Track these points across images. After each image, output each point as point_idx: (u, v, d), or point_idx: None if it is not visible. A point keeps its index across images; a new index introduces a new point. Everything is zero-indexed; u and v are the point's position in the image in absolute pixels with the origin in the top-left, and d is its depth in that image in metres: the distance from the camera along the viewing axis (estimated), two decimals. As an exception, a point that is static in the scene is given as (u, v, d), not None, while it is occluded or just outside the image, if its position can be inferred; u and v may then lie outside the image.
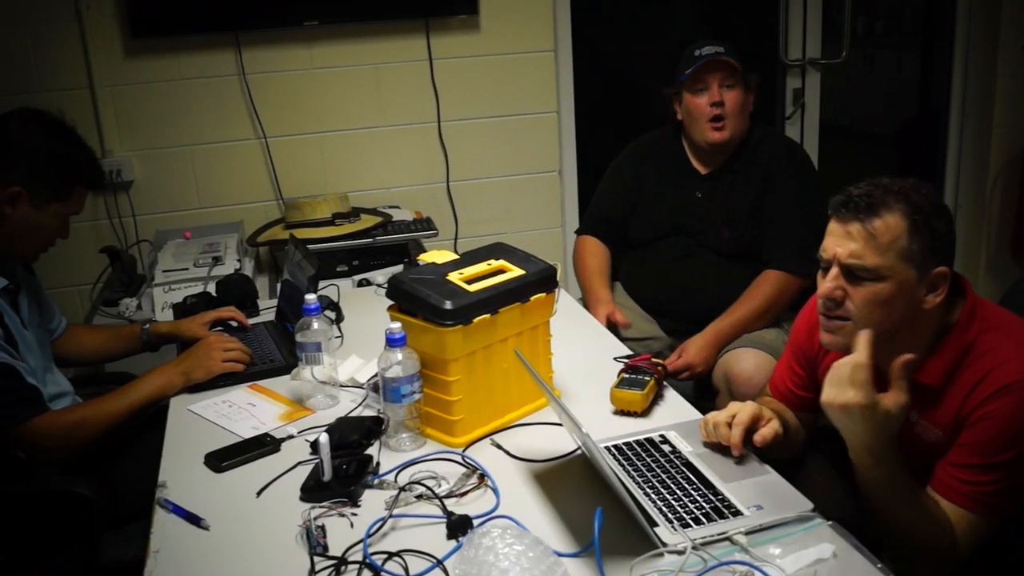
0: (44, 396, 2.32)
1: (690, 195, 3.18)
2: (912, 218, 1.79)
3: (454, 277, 2.11)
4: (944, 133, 4.92)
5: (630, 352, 2.55)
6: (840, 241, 1.83)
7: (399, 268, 3.47)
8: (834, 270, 1.84)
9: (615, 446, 2.01)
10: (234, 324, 2.80)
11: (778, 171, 3.08)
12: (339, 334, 2.75)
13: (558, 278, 2.25)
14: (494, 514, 1.80)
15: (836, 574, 1.58)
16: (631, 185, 3.30)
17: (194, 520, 1.83)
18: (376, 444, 2.07)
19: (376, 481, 1.92)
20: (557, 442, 2.06)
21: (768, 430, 1.95)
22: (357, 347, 2.60)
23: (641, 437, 2.04)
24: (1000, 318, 1.89)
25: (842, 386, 1.73)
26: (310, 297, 2.30)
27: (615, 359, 2.47)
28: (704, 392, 3.04)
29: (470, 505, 1.83)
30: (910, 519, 1.77)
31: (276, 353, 2.61)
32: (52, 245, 2.48)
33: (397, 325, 2.03)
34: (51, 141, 2.37)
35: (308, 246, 2.97)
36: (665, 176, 3.26)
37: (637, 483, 1.86)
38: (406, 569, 1.64)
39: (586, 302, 3.23)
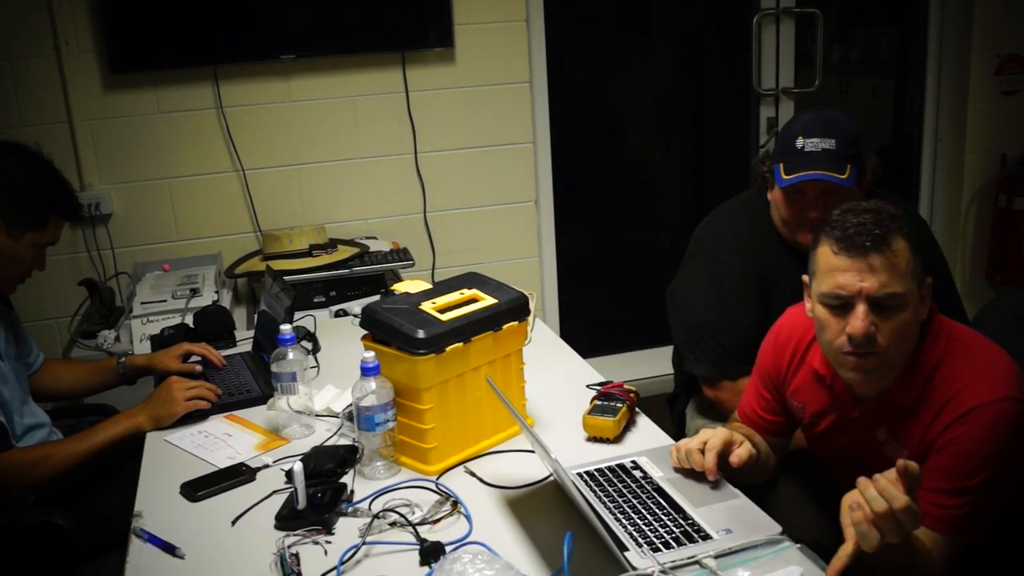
0: (9, 433, 2.32)
1: None
2: (910, 237, 1.81)
3: (427, 306, 2.13)
4: (918, 159, 4.98)
5: (603, 379, 2.56)
6: (863, 276, 1.79)
7: (376, 298, 3.48)
8: (862, 307, 1.79)
9: (587, 472, 2.02)
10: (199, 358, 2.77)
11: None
12: (315, 364, 2.76)
13: (532, 307, 2.27)
14: (466, 540, 1.81)
15: (803, 596, 1.60)
16: (759, 299, 2.59)
17: (169, 549, 1.84)
18: (351, 472, 2.07)
19: (350, 509, 1.93)
20: (530, 469, 2.07)
21: (743, 450, 1.96)
22: (334, 377, 2.61)
23: (613, 463, 2.06)
24: (964, 336, 1.91)
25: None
26: (285, 328, 2.31)
27: (588, 386, 2.49)
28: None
29: (443, 532, 1.85)
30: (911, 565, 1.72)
31: (253, 383, 2.62)
32: (29, 276, 2.49)
33: (371, 354, 2.05)
34: (27, 171, 2.39)
35: (286, 277, 2.99)
36: (787, 275, 2.47)
37: (608, 508, 1.87)
38: (379, 596, 1.65)
39: None
